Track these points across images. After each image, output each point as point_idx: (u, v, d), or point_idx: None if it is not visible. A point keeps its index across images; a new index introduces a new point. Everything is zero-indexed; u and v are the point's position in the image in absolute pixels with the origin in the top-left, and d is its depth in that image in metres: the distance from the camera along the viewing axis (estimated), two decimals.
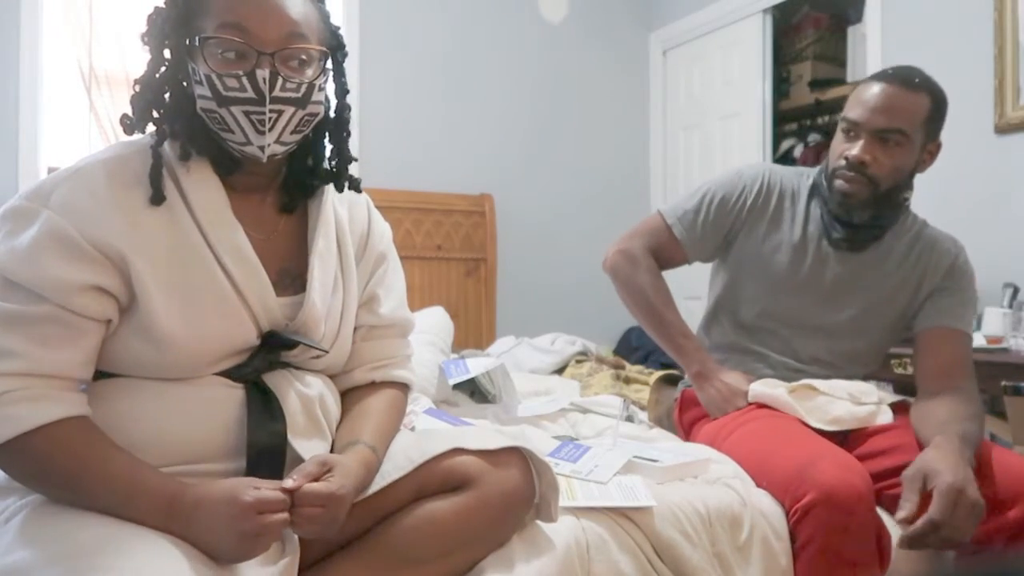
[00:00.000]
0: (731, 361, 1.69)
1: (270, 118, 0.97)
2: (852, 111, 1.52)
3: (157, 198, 0.96)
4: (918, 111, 1.49)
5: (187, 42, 0.98)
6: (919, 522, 1.20)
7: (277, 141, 1.00)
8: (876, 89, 1.50)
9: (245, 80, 0.95)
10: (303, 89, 0.99)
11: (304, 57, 0.99)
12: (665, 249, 1.73)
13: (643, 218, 1.81)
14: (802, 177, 1.69)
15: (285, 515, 0.87)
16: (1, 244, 0.91)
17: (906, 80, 1.49)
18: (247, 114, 0.96)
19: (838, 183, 1.54)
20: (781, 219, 1.66)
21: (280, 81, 0.96)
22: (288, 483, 0.89)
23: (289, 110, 0.98)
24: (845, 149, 1.52)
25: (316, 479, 0.91)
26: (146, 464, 0.91)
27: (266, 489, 0.87)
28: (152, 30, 0.99)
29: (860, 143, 1.50)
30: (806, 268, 1.63)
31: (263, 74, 0.95)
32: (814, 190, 1.65)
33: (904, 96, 1.48)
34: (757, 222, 1.66)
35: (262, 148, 0.99)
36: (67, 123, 3.22)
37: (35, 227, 0.91)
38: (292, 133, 1.01)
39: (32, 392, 0.88)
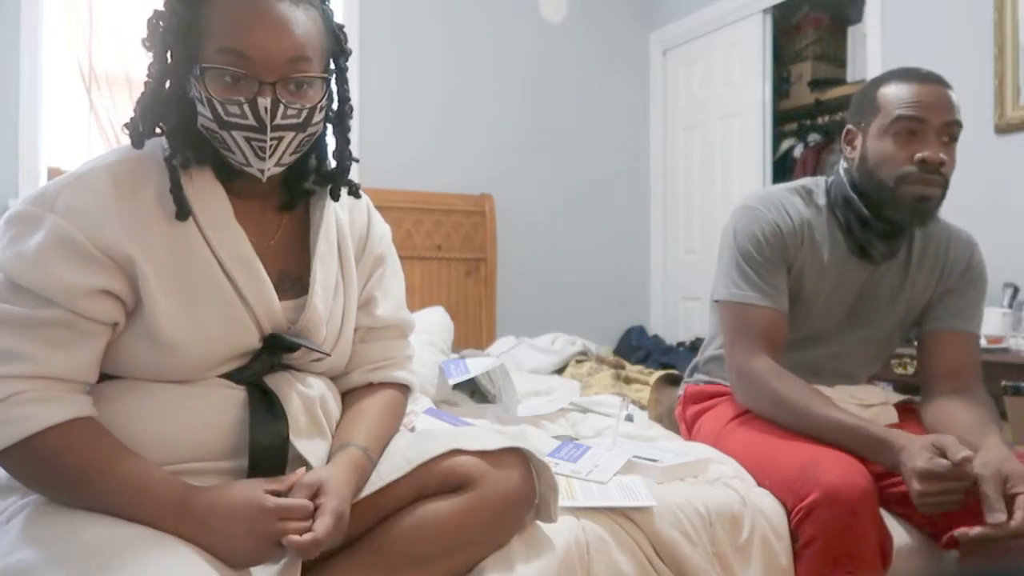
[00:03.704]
0: None
1: (271, 145, 0.97)
2: (912, 110, 1.40)
3: (182, 215, 0.97)
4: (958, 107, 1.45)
5: (188, 53, 0.97)
6: (993, 529, 1.17)
7: (277, 164, 1.00)
8: (927, 88, 1.41)
9: (247, 108, 0.94)
10: (304, 114, 0.98)
11: (306, 82, 0.98)
12: (764, 329, 1.51)
13: (722, 322, 1.59)
14: (804, 194, 1.57)
15: (306, 524, 0.89)
16: (8, 249, 0.92)
17: (940, 79, 1.45)
18: (248, 140, 0.96)
19: (913, 188, 1.41)
20: (811, 241, 1.54)
21: (282, 109, 0.96)
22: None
23: (289, 135, 0.98)
24: (914, 152, 1.40)
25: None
26: (155, 465, 0.92)
27: (290, 498, 0.90)
28: (153, 35, 0.98)
29: (929, 143, 1.40)
30: (842, 286, 1.55)
31: (264, 103, 0.94)
32: (834, 207, 1.54)
33: (949, 93, 1.43)
34: (798, 249, 1.54)
35: (262, 171, 0.99)
36: (67, 123, 3.21)
37: (41, 232, 0.91)
38: (292, 154, 1.01)
39: (41, 394, 0.89)
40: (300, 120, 0.98)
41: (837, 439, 1.37)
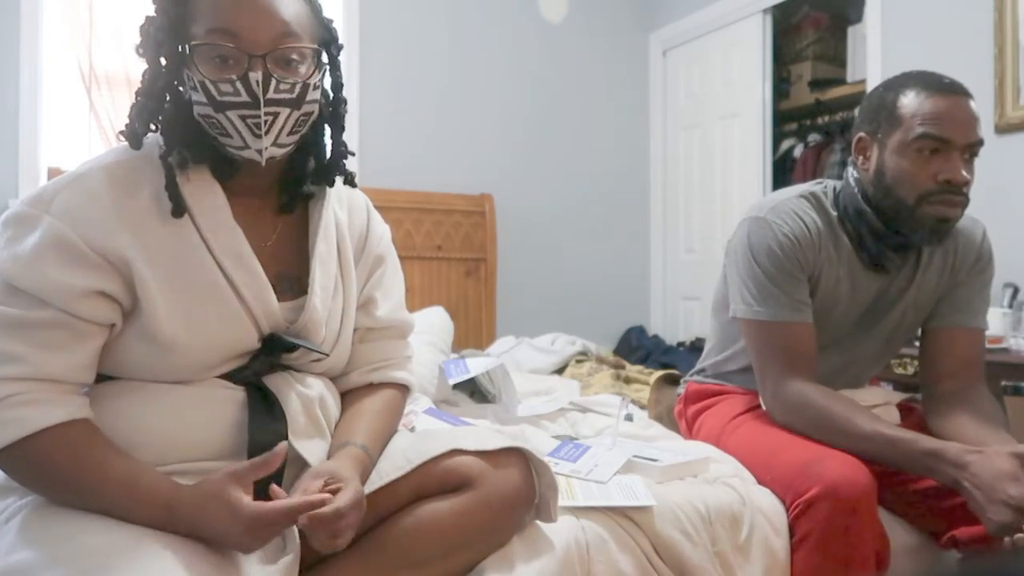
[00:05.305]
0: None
1: (266, 121, 0.97)
2: (937, 128, 1.34)
3: (178, 212, 0.97)
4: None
5: (180, 48, 0.97)
6: None
7: (274, 143, 0.99)
8: (951, 102, 1.35)
9: (239, 84, 0.94)
10: (297, 89, 0.98)
11: (296, 56, 0.98)
12: (796, 346, 1.46)
13: (748, 341, 1.53)
14: (814, 202, 1.51)
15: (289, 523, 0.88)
16: (4, 250, 0.92)
17: (963, 89, 1.38)
18: (243, 118, 0.96)
19: (935, 209, 1.36)
20: (827, 251, 1.49)
21: (274, 83, 0.96)
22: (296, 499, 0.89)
23: (284, 111, 0.98)
24: (936, 171, 1.35)
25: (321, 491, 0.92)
26: (145, 466, 0.92)
27: (269, 505, 0.87)
28: (146, 39, 0.98)
29: (953, 163, 1.34)
30: (856, 297, 1.52)
31: (256, 77, 0.94)
32: (844, 219, 1.49)
33: (972, 106, 1.37)
34: (816, 258, 1.49)
35: (260, 152, 0.98)
36: (67, 123, 3.21)
37: (37, 233, 0.91)
38: (289, 134, 1.01)
39: (35, 396, 0.89)
40: (294, 96, 0.98)
41: (884, 454, 1.31)
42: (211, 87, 0.95)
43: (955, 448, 1.26)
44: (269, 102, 0.96)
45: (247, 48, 0.95)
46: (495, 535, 1.07)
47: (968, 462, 1.22)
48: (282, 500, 0.88)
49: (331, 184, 1.12)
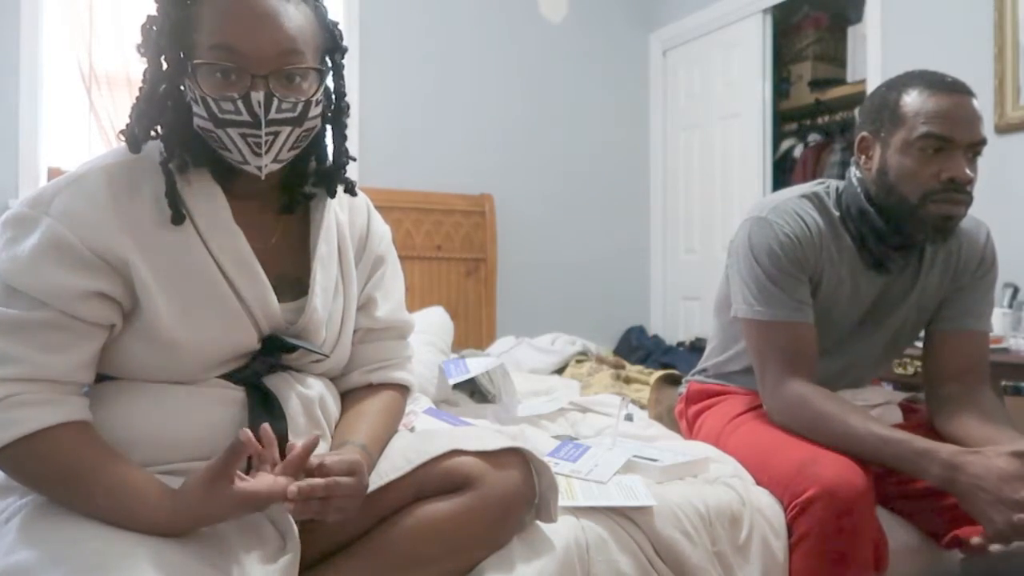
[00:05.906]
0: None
1: (266, 141, 0.96)
2: (940, 128, 1.33)
3: (177, 220, 0.96)
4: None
5: (181, 55, 0.97)
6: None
7: (274, 160, 0.99)
8: (954, 101, 1.35)
9: (240, 104, 0.94)
10: (299, 108, 0.97)
11: (299, 74, 0.97)
12: (795, 346, 1.45)
13: (749, 341, 1.52)
14: (816, 202, 1.50)
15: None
16: (3, 252, 0.92)
17: (965, 88, 1.37)
18: (244, 136, 0.95)
19: (939, 207, 1.36)
20: (828, 251, 1.48)
21: (276, 103, 0.95)
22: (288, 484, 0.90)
23: (285, 130, 0.98)
24: (941, 170, 1.34)
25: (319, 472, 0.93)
26: (139, 470, 0.91)
27: (259, 485, 0.89)
28: (147, 40, 0.98)
29: (956, 161, 1.34)
30: (857, 298, 1.51)
31: (258, 97, 0.93)
32: (846, 219, 1.48)
33: (975, 105, 1.36)
34: (817, 259, 1.48)
35: (259, 168, 0.98)
36: (67, 123, 3.21)
37: (36, 234, 0.91)
38: (289, 150, 1.01)
39: (33, 396, 0.89)
40: (295, 114, 0.97)
41: (877, 454, 1.30)
42: (212, 104, 0.94)
43: (948, 449, 1.25)
44: (271, 122, 0.95)
45: (249, 67, 0.93)
46: (495, 535, 1.07)
47: (963, 463, 1.21)
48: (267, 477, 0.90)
49: (332, 195, 1.11)
